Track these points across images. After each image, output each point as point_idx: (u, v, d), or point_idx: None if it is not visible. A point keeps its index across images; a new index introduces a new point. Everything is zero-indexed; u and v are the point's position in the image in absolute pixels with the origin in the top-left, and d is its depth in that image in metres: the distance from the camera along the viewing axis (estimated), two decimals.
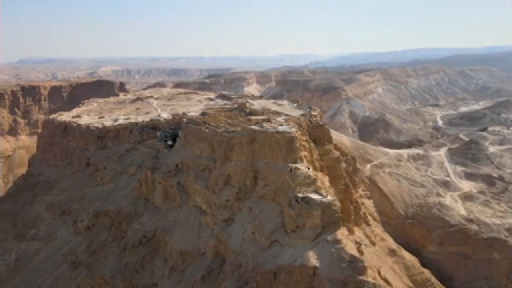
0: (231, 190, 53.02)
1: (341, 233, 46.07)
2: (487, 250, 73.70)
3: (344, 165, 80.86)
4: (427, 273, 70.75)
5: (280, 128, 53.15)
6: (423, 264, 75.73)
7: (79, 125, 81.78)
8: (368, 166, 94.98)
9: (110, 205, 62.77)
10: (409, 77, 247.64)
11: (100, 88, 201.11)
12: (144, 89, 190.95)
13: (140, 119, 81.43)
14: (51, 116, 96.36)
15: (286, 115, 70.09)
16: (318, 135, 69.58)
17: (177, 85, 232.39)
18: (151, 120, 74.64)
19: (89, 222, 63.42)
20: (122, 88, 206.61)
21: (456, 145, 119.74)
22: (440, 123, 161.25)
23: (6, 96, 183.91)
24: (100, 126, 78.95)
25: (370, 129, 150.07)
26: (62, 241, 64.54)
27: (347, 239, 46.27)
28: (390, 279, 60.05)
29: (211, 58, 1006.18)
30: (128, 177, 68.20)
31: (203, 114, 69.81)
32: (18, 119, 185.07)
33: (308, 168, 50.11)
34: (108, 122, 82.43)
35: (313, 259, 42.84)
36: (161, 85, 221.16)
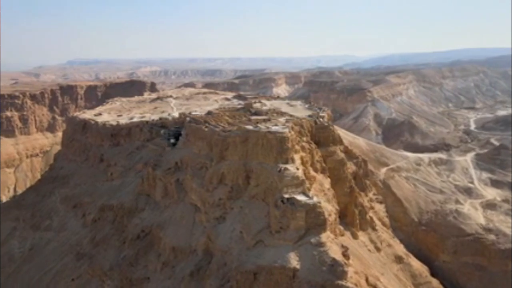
0: (224, 189, 53.47)
1: (326, 236, 45.04)
2: (504, 261, 69.46)
3: (354, 167, 79.26)
4: (435, 282, 67.75)
5: (273, 128, 52.88)
6: (435, 274, 72.73)
7: (96, 122, 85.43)
8: (384, 169, 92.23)
9: (115, 200, 65.14)
10: (445, 78, 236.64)
11: (132, 87, 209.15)
12: (171, 89, 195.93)
13: (154, 117, 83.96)
14: (74, 114, 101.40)
15: (291, 115, 69.57)
16: (323, 137, 68.68)
17: (206, 85, 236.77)
18: (160, 118, 76.73)
19: (95, 215, 66.22)
20: (153, 88, 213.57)
21: (485, 150, 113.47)
22: (472, 127, 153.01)
23: (46, 95, 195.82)
24: (115, 124, 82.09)
25: (395, 132, 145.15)
26: (71, 232, 67.75)
27: (332, 243, 45.18)
28: (392, 287, 58.49)
29: (247, 59, 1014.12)
30: (135, 173, 70.44)
31: (208, 113, 70.82)
32: (57, 116, 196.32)
33: (298, 169, 49.37)
34: (123, 120, 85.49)
35: (293, 261, 42.32)
36: (191, 85, 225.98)
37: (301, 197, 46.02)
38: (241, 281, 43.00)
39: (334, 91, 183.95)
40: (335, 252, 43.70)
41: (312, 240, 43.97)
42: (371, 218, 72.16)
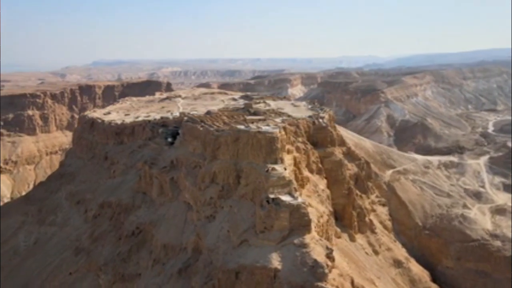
0: (216, 188, 53.81)
1: (310, 237, 44.57)
2: (508, 269, 66.90)
3: (356, 169, 78.29)
4: None
5: (263, 128, 52.79)
6: (437, 279, 70.99)
7: (103, 121, 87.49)
8: (389, 172, 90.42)
9: (114, 197, 66.59)
10: (466, 79, 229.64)
11: (148, 87, 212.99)
12: (184, 89, 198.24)
13: (158, 117, 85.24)
14: (85, 113, 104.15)
15: (288, 116, 69.38)
16: (320, 137, 68.31)
17: (222, 85, 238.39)
18: (162, 118, 77.88)
19: (96, 211, 67.91)
20: (169, 88, 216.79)
21: (500, 154, 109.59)
22: (490, 129, 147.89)
23: (65, 94, 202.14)
24: (119, 123, 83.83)
25: (407, 133, 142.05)
26: (73, 228, 69.66)
27: (317, 244, 44.64)
28: None
29: (268, 59, 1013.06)
30: (135, 171, 71.69)
31: (207, 113, 71.37)
32: (75, 115, 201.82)
33: (285, 169, 49.10)
34: (129, 119, 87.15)
35: (275, 261, 42.10)
36: (206, 85, 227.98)
37: (286, 198, 45.71)
38: (222, 279, 43.17)
39: (347, 92, 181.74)
40: (318, 254, 43.19)
41: (295, 241, 43.60)
42: (370, 220, 71.11)
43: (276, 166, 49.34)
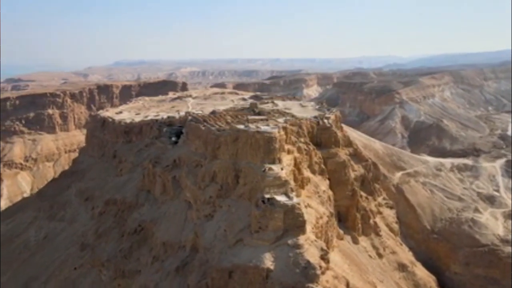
0: (215, 187, 54.15)
1: (305, 238, 44.29)
2: None
3: (362, 170, 77.26)
4: None
5: (262, 128, 52.74)
6: (444, 285, 69.34)
7: (113, 120, 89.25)
8: (399, 174, 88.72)
9: (119, 195, 67.83)
10: (487, 80, 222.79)
11: (164, 87, 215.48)
12: (198, 89, 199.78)
13: (166, 116, 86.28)
14: (98, 112, 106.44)
15: (292, 116, 69.03)
16: (324, 138, 67.72)
17: (237, 85, 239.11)
18: (168, 117, 78.82)
19: (101, 208, 69.34)
20: (184, 88, 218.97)
21: None
22: (510, 131, 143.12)
23: (84, 94, 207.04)
24: (128, 122, 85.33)
25: (422, 135, 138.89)
26: (80, 224, 71.38)
27: (311, 245, 44.31)
28: None
29: (287, 60, 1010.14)
30: (141, 169, 72.81)
31: (212, 112, 71.80)
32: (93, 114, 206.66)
33: (282, 169, 48.91)
34: (138, 118, 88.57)
35: (268, 262, 42.02)
36: (221, 85, 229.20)
37: (281, 198, 45.56)
38: (216, 278, 43.39)
39: (362, 93, 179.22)
40: (311, 255, 42.84)
41: (289, 241, 43.39)
42: (375, 223, 70.01)
43: (273, 166, 49.26)
